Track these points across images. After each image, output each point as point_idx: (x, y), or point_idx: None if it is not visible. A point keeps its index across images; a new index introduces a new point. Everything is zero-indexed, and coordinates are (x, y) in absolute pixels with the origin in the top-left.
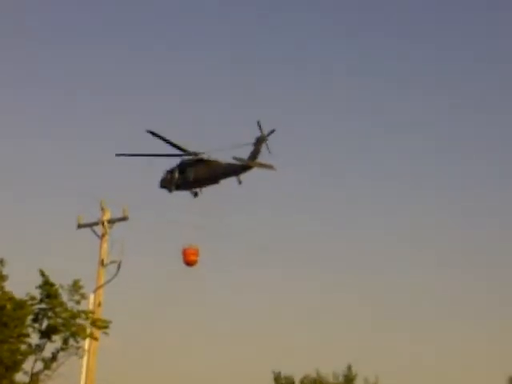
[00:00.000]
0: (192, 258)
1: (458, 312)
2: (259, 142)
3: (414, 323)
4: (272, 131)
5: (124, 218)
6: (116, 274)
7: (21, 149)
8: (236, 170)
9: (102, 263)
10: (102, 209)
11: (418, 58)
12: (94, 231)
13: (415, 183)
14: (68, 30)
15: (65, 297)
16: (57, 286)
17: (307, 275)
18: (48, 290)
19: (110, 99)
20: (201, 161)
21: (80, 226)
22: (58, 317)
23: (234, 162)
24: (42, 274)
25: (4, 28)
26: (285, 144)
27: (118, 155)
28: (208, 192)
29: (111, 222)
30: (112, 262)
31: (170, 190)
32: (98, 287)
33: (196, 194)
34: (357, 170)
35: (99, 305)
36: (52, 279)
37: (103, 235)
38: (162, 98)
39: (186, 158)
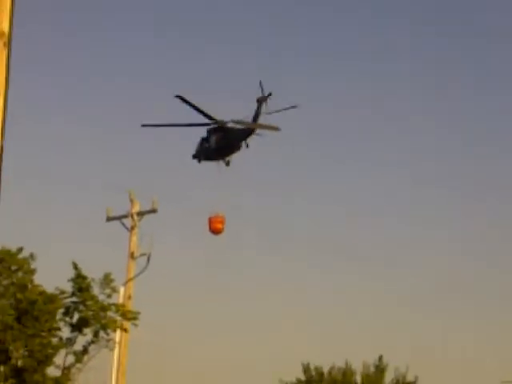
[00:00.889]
0: (218, 225)
1: (491, 300)
2: (259, 103)
3: (446, 312)
4: (269, 94)
5: (153, 210)
6: (146, 267)
7: (49, 137)
8: (249, 134)
9: (131, 256)
10: (131, 201)
11: None
12: (124, 224)
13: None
14: None
15: (96, 290)
16: (89, 280)
17: (331, 264)
18: (80, 283)
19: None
20: (220, 128)
21: (109, 219)
22: (88, 310)
23: (242, 127)
24: (75, 266)
25: None
26: None
27: (143, 126)
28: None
29: (140, 214)
30: (142, 255)
31: (199, 160)
32: (128, 280)
33: (228, 163)
34: None
35: (129, 298)
36: (85, 273)
37: (132, 228)
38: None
39: (211, 126)
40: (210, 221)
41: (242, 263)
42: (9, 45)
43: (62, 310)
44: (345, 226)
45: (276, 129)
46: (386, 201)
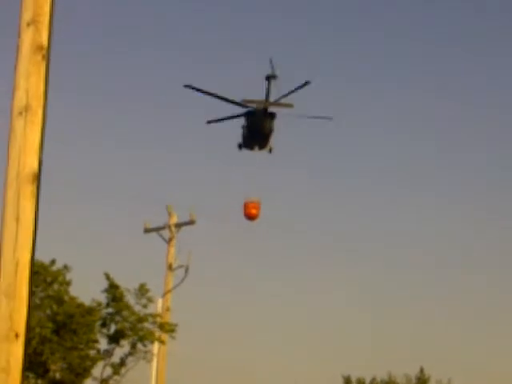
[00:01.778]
0: (253, 211)
1: None
2: (269, 80)
3: (488, 323)
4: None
5: (191, 222)
6: (184, 279)
7: (84, 149)
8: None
9: (169, 268)
10: (169, 213)
11: None
12: (161, 235)
13: None
14: None
15: (132, 301)
16: (122, 289)
17: (371, 271)
18: (113, 292)
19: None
20: (249, 112)
21: (147, 231)
22: (125, 321)
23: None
24: (107, 277)
25: None
26: None
27: (185, 86)
28: None
29: (178, 226)
30: (180, 267)
31: (240, 147)
32: (167, 292)
33: (270, 150)
34: None
35: (167, 309)
36: (119, 283)
37: (170, 239)
38: None
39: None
40: (245, 206)
41: (275, 274)
42: (48, 58)
43: (99, 322)
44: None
45: (291, 105)
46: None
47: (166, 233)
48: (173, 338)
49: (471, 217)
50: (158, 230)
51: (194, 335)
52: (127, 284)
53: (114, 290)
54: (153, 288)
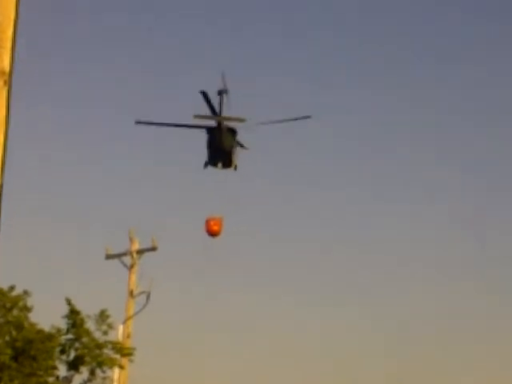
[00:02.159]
0: (214, 228)
1: None
2: (221, 95)
3: None
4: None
5: (153, 248)
6: (145, 305)
7: (48, 172)
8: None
9: (130, 294)
10: (131, 239)
11: None
12: (123, 262)
13: None
14: None
15: (92, 327)
16: (83, 315)
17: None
18: (74, 318)
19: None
20: (211, 128)
21: (108, 257)
22: (84, 347)
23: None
24: (68, 302)
25: None
26: None
27: (137, 123)
28: None
29: (140, 252)
30: (141, 293)
31: (205, 165)
32: (128, 318)
33: (235, 167)
34: None
35: (128, 336)
36: (80, 309)
37: (132, 266)
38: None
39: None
40: (207, 223)
41: (244, 301)
42: (9, 83)
43: (59, 349)
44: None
45: (242, 120)
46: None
47: (127, 259)
48: (131, 361)
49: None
50: (119, 256)
51: (155, 361)
52: (88, 310)
53: (74, 316)
54: (114, 314)
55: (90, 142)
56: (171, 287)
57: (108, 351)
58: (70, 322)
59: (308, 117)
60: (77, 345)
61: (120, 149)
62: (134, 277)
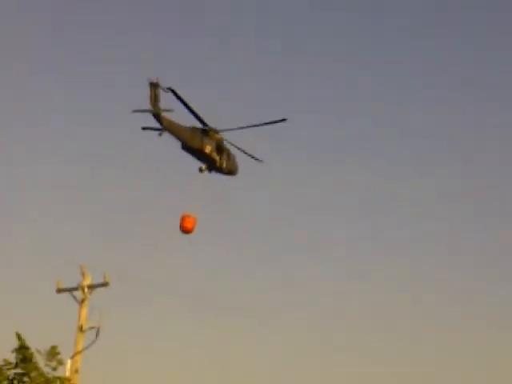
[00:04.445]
0: (188, 225)
1: None
2: (153, 86)
3: None
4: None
5: (104, 284)
6: (95, 341)
7: None
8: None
9: (80, 329)
10: (83, 274)
11: None
12: (74, 296)
13: None
14: None
15: (41, 362)
16: (32, 350)
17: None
18: (24, 353)
19: None
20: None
21: (59, 291)
22: (33, 382)
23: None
24: (19, 337)
25: None
26: None
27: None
28: None
29: (91, 287)
30: (91, 328)
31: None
32: (76, 353)
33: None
34: None
35: (76, 371)
36: (29, 344)
37: (83, 300)
38: None
39: None
40: (182, 218)
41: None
42: None
43: (6, 383)
44: None
45: (171, 110)
46: None
47: (78, 293)
48: None
49: None
50: (70, 290)
51: None
52: (38, 343)
53: (24, 351)
54: (63, 349)
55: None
56: (122, 323)
57: None
58: (20, 356)
59: (284, 120)
60: (25, 379)
61: None
62: (84, 311)
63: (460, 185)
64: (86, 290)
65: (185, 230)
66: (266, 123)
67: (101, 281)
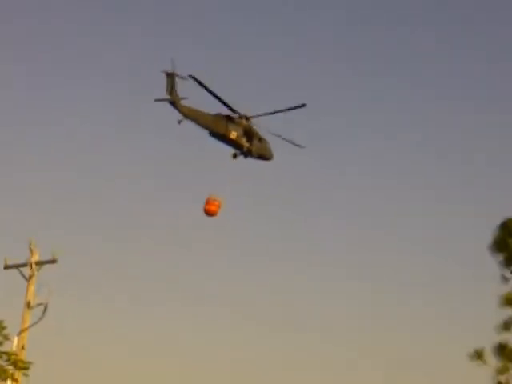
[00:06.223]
0: (212, 208)
1: None
2: (169, 76)
3: None
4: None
5: (53, 261)
6: (42, 318)
7: None
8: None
9: (27, 306)
10: (31, 250)
11: None
12: (22, 273)
13: None
14: None
15: None
16: None
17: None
18: None
19: None
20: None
21: (7, 267)
22: None
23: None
24: None
25: None
26: None
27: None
28: None
29: (39, 263)
30: (38, 305)
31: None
32: (23, 330)
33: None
34: None
35: (23, 348)
36: None
37: (30, 277)
38: None
39: None
40: (207, 201)
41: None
42: None
43: None
44: None
45: (185, 98)
46: None
47: (26, 270)
48: (26, 375)
49: None
50: (18, 266)
51: (50, 375)
52: None
53: None
54: (10, 326)
55: None
56: (70, 300)
57: (2, 362)
58: None
59: (304, 105)
60: None
61: None
62: (32, 288)
63: (460, 185)
64: (33, 266)
65: (209, 213)
66: (288, 109)
67: (49, 257)
